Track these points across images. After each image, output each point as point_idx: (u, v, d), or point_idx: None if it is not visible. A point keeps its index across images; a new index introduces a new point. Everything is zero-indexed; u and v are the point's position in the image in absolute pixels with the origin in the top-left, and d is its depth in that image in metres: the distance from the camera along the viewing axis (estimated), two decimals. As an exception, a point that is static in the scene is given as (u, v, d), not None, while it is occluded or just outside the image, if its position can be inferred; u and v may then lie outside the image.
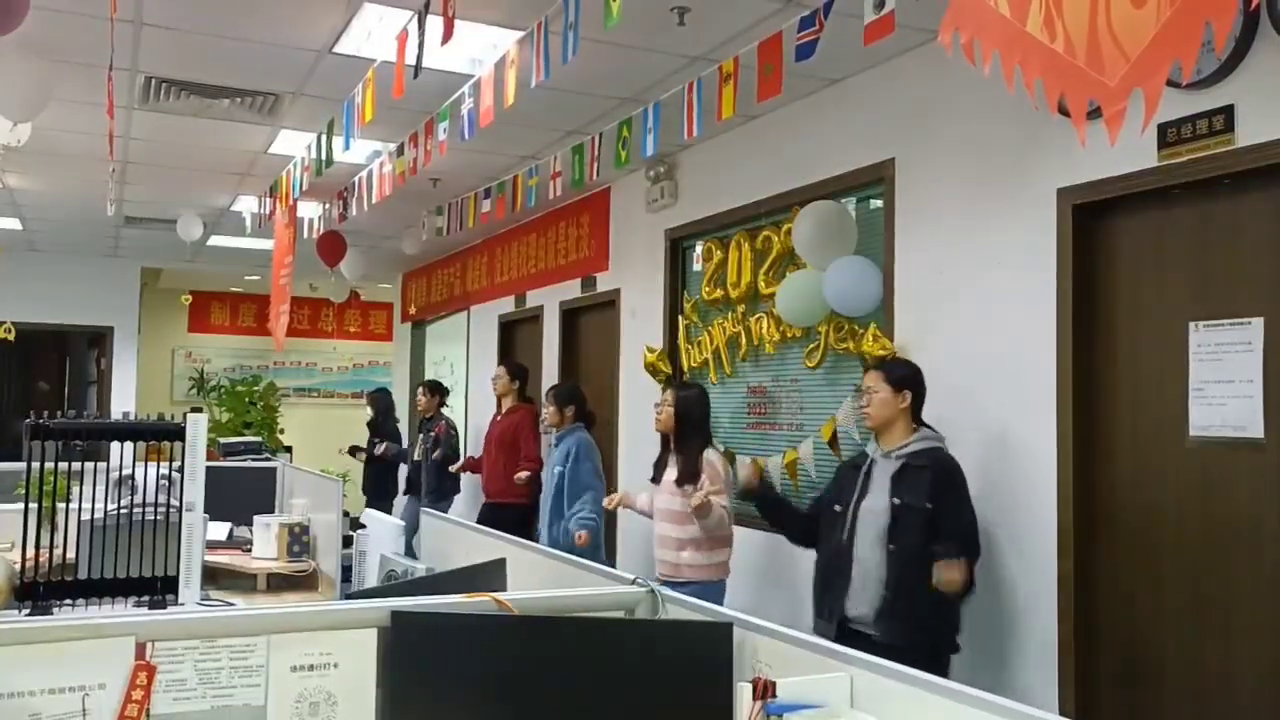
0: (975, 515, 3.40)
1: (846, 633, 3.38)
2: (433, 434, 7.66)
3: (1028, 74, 1.83)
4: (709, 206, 5.59)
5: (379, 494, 8.40)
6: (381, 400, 8.85)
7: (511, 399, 6.95)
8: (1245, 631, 3.02)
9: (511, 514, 6.53)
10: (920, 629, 3.28)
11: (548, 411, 5.54)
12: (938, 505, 3.32)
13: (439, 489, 7.53)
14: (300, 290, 11.04)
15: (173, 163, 6.50)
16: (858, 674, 1.56)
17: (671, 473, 4.38)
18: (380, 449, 8.44)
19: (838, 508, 3.52)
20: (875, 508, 3.41)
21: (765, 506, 3.99)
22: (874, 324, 4.32)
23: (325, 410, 13.54)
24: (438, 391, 8.04)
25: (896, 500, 3.37)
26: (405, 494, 8.17)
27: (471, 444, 8.41)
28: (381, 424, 8.68)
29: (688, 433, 4.39)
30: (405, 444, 8.66)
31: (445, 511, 7.06)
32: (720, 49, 4.16)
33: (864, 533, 3.41)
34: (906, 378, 3.55)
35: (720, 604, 2.07)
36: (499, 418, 7.01)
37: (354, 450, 8.86)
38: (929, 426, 3.56)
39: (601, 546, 5.19)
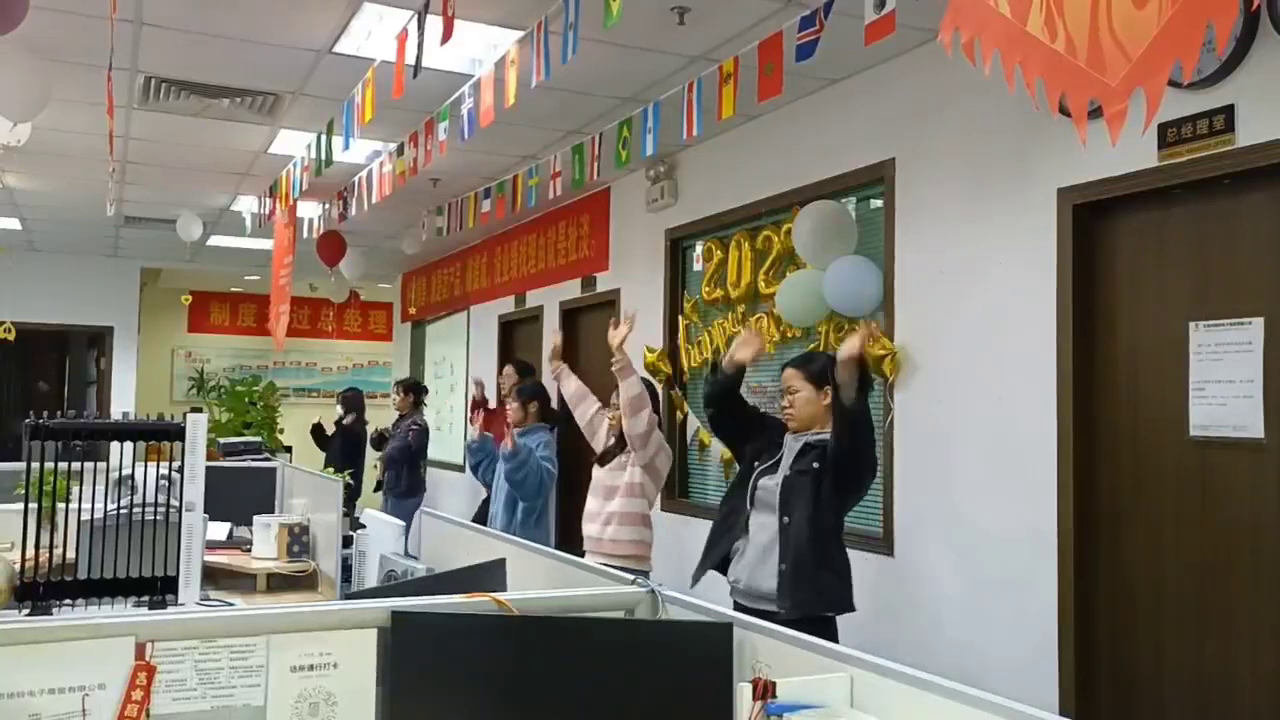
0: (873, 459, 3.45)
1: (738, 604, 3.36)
2: (400, 432, 7.68)
3: (1028, 74, 1.83)
4: (709, 206, 5.59)
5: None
6: (354, 400, 8.86)
7: None
8: (1245, 631, 3.02)
9: None
10: (820, 599, 3.30)
11: (511, 408, 5.52)
12: (825, 462, 3.33)
13: (398, 487, 7.54)
14: (300, 290, 11.02)
15: (172, 163, 6.50)
16: (858, 674, 1.56)
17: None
18: (348, 420, 8.46)
19: (756, 465, 3.52)
20: (770, 483, 3.44)
21: (730, 382, 3.64)
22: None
23: (325, 410, 13.49)
24: (412, 390, 8.03)
25: (789, 471, 3.41)
26: (375, 490, 8.18)
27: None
28: (351, 424, 8.69)
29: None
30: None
31: (414, 509, 7.04)
32: (720, 49, 4.16)
33: (760, 506, 3.45)
34: (824, 372, 3.44)
35: None
36: (502, 413, 7.01)
37: (318, 431, 8.81)
38: None
39: (546, 528, 5.28)
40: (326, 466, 8.39)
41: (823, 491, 3.33)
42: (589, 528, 4.57)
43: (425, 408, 8.11)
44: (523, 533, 4.94)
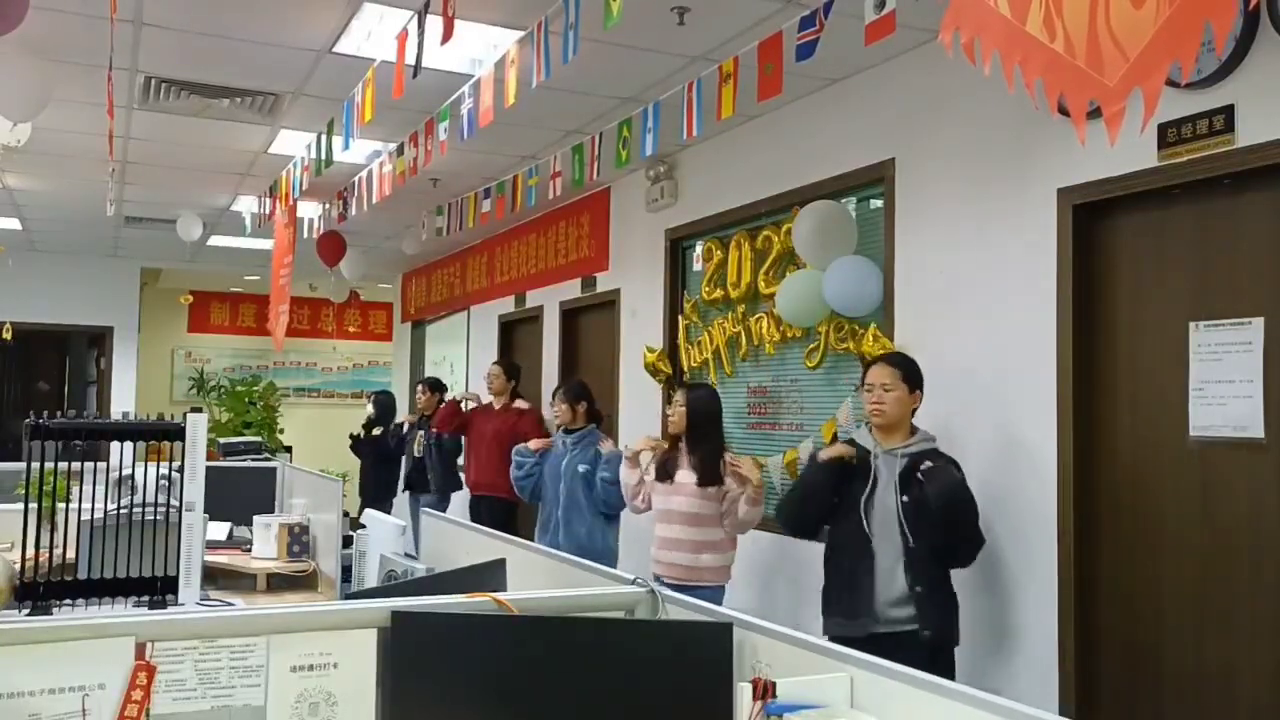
0: (977, 509, 3.48)
1: (877, 636, 3.30)
2: (433, 430, 7.67)
3: (1027, 74, 1.83)
4: (709, 206, 5.59)
5: (378, 494, 8.40)
6: (384, 401, 8.85)
7: (506, 397, 6.97)
8: (1245, 631, 3.02)
9: (501, 507, 6.57)
10: (947, 620, 3.44)
11: (559, 410, 5.49)
12: (950, 504, 3.35)
13: (442, 486, 7.55)
14: (300, 290, 11.03)
15: (173, 163, 6.50)
16: (858, 674, 1.56)
17: (687, 475, 4.28)
18: (372, 412, 8.47)
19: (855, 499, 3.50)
20: (888, 504, 3.41)
21: (831, 477, 3.63)
22: (874, 324, 4.33)
23: (325, 410, 13.54)
24: (438, 389, 8.05)
25: (905, 498, 3.39)
26: (405, 491, 8.17)
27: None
28: (378, 423, 8.68)
29: (700, 433, 4.31)
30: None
31: (446, 509, 7.07)
32: (720, 49, 4.16)
33: (881, 531, 3.40)
34: (919, 377, 3.58)
35: (720, 605, 2.07)
36: (494, 412, 7.01)
37: (354, 439, 8.87)
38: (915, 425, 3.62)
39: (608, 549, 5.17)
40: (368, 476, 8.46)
41: (941, 518, 3.36)
42: (675, 555, 4.26)
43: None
44: (605, 542, 4.93)
